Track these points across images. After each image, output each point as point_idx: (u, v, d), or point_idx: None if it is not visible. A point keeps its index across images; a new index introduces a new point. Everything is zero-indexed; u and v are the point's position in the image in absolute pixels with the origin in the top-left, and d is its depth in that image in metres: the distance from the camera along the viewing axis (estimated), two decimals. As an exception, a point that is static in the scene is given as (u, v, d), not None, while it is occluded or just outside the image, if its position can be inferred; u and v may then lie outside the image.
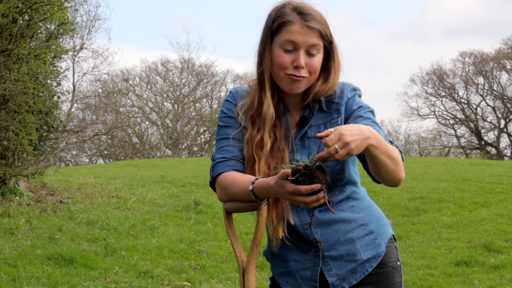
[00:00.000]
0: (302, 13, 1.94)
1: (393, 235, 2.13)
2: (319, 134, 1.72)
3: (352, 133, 1.70)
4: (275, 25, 1.96)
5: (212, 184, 2.04)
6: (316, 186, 1.67)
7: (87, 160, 30.29)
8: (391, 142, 1.93)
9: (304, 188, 1.67)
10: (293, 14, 1.94)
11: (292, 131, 2.03)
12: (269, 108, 1.99)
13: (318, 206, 1.72)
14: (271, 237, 2.03)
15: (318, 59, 1.96)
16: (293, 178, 1.68)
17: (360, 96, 2.07)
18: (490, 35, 50.81)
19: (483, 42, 55.54)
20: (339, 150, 1.67)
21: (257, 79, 2.03)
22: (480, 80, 32.59)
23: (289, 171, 1.69)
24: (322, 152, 1.69)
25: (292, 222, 1.99)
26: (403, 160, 1.92)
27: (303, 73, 1.95)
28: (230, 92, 2.12)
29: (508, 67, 31.88)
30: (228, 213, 2.00)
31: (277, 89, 2.02)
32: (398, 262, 2.10)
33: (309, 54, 1.95)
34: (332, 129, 1.72)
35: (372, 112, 2.03)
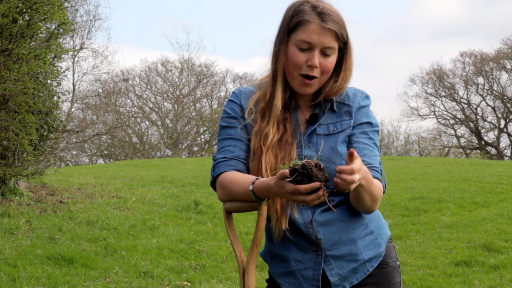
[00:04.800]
0: (320, 13, 1.94)
1: (390, 235, 2.15)
2: (354, 153, 1.72)
3: (363, 174, 1.76)
4: (292, 23, 1.97)
5: (213, 184, 2.04)
6: (315, 184, 1.67)
7: (87, 160, 30.30)
8: (380, 172, 2.00)
9: (303, 187, 1.67)
10: (311, 13, 1.95)
11: (301, 127, 2.05)
12: (278, 101, 2.01)
13: (319, 204, 1.72)
14: (273, 228, 2.01)
15: (332, 60, 1.98)
16: (291, 178, 1.68)
17: (370, 105, 2.10)
18: (476, 36, 51.13)
19: (471, 42, 55.95)
20: (357, 183, 1.71)
21: (272, 73, 2.04)
22: (480, 80, 32.61)
23: (287, 171, 1.68)
24: (346, 170, 1.69)
25: (296, 215, 2.00)
26: (384, 191, 2.00)
27: (316, 73, 1.96)
28: (234, 92, 2.13)
29: (508, 67, 31.87)
30: (228, 213, 2.00)
31: (290, 85, 2.04)
32: (398, 262, 2.12)
33: (323, 54, 1.96)
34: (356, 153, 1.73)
35: (377, 131, 2.08)
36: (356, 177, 1.69)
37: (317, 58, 1.94)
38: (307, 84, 1.98)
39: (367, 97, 2.09)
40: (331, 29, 1.93)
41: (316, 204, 1.71)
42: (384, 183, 2.01)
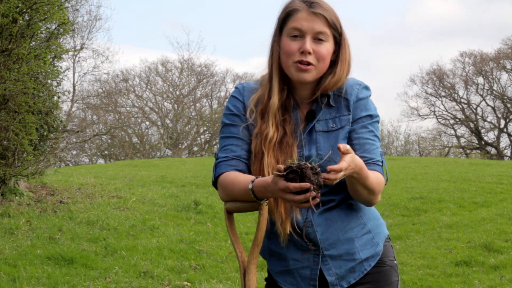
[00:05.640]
0: (308, 2, 1.97)
1: (388, 234, 2.15)
2: (341, 148, 1.76)
3: (351, 167, 1.78)
4: (283, 16, 2.00)
5: (215, 183, 2.04)
6: (305, 184, 1.66)
7: (87, 160, 30.30)
8: (382, 164, 2.01)
9: (292, 185, 1.67)
10: (300, 3, 1.98)
11: (300, 125, 2.03)
12: (275, 96, 1.99)
13: (317, 204, 1.71)
14: (279, 232, 2.01)
15: (326, 47, 1.97)
16: (282, 173, 1.68)
17: (370, 95, 2.08)
18: (473, 36, 51.23)
19: (469, 42, 56.03)
20: (338, 179, 1.75)
21: (268, 71, 2.04)
22: (480, 80, 32.62)
23: (281, 166, 1.69)
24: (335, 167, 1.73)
25: (299, 217, 2.00)
26: (386, 182, 2.01)
27: (310, 59, 1.95)
28: (236, 87, 2.11)
29: (508, 67, 31.87)
30: (229, 213, 2.00)
31: (287, 83, 2.03)
32: (395, 261, 2.12)
33: (316, 41, 1.95)
34: (348, 147, 1.77)
35: (378, 122, 2.07)
36: (339, 175, 1.73)
37: (308, 44, 1.94)
38: (303, 69, 1.95)
39: (366, 88, 2.07)
40: (320, 13, 1.94)
41: (305, 207, 1.71)
42: (386, 176, 2.01)
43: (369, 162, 1.98)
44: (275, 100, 1.99)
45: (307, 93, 2.04)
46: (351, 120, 2.02)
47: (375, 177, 1.93)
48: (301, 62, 1.95)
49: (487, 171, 13.66)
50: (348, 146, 1.77)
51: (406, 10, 55.59)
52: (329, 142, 2.00)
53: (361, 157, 1.96)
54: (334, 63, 2.01)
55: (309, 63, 1.95)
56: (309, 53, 1.94)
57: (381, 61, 53.53)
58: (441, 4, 54.28)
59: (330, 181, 1.73)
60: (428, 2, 54.76)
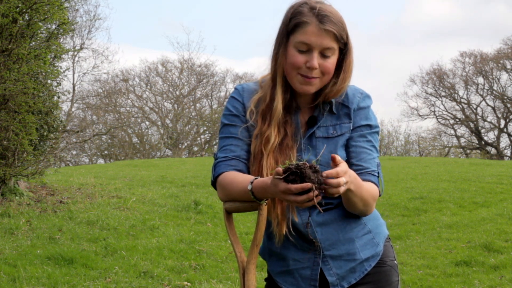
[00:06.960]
0: (319, 15, 1.92)
1: (388, 234, 2.15)
2: (336, 158, 1.73)
3: (348, 174, 1.75)
4: (291, 25, 1.95)
5: (214, 183, 2.04)
6: (306, 185, 1.66)
7: (87, 160, 30.30)
8: (378, 175, 2.00)
9: (294, 187, 1.66)
10: (309, 15, 1.93)
11: (301, 129, 2.03)
12: (278, 104, 1.98)
13: (312, 206, 1.71)
14: (274, 233, 2.01)
15: (332, 61, 1.95)
16: (283, 176, 1.68)
17: (371, 105, 2.07)
18: (470, 36, 51.29)
19: (465, 42, 56.11)
20: (343, 186, 1.71)
21: (271, 75, 2.02)
22: (480, 80, 32.62)
23: (280, 169, 1.68)
24: (332, 172, 1.70)
25: (296, 219, 1.99)
26: (381, 194, 2.00)
27: (316, 74, 1.94)
28: (236, 88, 2.10)
29: (508, 67, 31.87)
30: (228, 213, 2.00)
31: (290, 87, 2.02)
32: (395, 261, 2.13)
33: (323, 56, 1.94)
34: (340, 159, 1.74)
35: (377, 132, 2.06)
36: (342, 180, 1.69)
37: (316, 60, 1.92)
38: (308, 82, 1.94)
39: (368, 97, 2.06)
40: (330, 30, 1.91)
41: (308, 206, 1.70)
42: (381, 187, 2.01)
43: (364, 172, 1.97)
44: (279, 106, 1.99)
45: (308, 98, 2.04)
46: (351, 128, 2.02)
47: (369, 188, 1.93)
48: (306, 76, 1.94)
49: (487, 171, 13.66)
50: (339, 157, 1.74)
51: (404, 10, 55.75)
52: (328, 148, 2.00)
53: (356, 165, 1.96)
54: (336, 69, 1.99)
55: (314, 77, 1.95)
56: (315, 68, 1.93)
57: (380, 61, 53.57)
58: (439, 5, 54.39)
59: (332, 188, 1.70)
60: (425, 2, 54.90)
